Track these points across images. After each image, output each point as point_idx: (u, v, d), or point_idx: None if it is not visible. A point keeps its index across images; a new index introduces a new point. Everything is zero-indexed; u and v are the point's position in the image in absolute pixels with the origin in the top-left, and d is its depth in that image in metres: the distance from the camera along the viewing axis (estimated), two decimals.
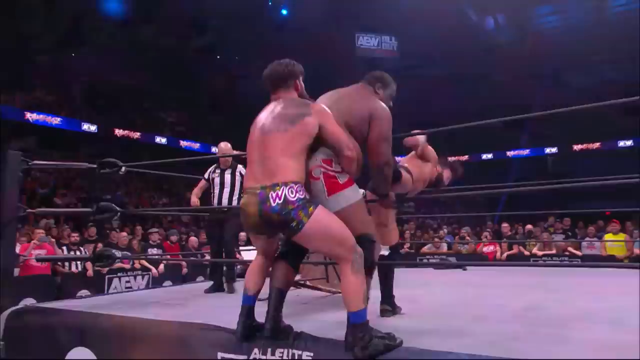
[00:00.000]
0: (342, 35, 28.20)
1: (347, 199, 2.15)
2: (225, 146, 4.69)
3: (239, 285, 4.40)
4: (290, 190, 1.95)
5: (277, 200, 1.94)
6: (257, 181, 2.04)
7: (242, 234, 8.81)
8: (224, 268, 4.50)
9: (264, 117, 2.18)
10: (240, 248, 8.05)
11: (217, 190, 4.56)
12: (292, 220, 1.94)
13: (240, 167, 4.68)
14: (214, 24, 24.47)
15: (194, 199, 4.75)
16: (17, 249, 6.19)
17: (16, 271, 6.19)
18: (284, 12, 28.88)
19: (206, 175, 4.72)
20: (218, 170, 4.64)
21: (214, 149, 5.41)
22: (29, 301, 5.22)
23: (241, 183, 4.54)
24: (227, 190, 4.53)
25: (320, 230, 1.99)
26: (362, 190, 2.55)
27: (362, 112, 2.35)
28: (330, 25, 26.19)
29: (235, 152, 4.67)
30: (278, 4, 28.55)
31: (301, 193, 1.97)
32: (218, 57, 27.50)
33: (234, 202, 4.50)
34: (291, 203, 1.94)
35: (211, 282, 4.55)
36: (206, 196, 4.76)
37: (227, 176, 4.58)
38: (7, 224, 3.61)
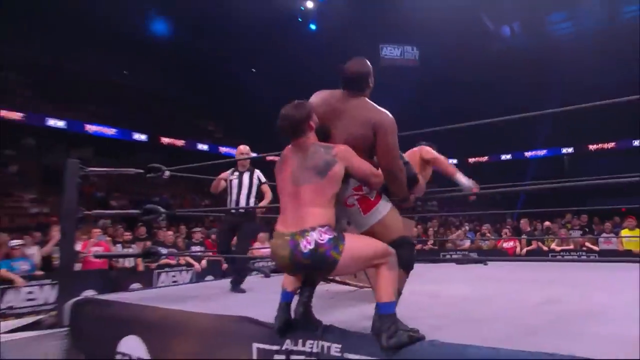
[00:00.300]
0: (366, 46, 28.10)
1: (380, 212, 2.20)
2: (244, 148, 4.52)
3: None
4: (319, 234, 1.94)
5: (307, 246, 1.93)
6: (287, 227, 2.03)
7: (261, 235, 8.81)
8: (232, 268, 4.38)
9: (293, 168, 2.13)
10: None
11: (234, 192, 4.37)
12: (326, 261, 1.95)
13: (258, 171, 4.52)
14: (250, 40, 24.73)
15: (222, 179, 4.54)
16: (79, 247, 6.43)
17: (78, 266, 6.43)
18: (313, 26, 29.04)
19: (224, 176, 4.53)
20: (236, 173, 4.45)
21: (251, 154, 5.23)
22: (90, 292, 5.39)
23: (258, 186, 4.42)
24: (244, 192, 4.35)
25: (354, 259, 2.02)
26: None
27: (366, 125, 2.19)
28: (355, 37, 26.14)
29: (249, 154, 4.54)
30: (307, 19, 28.75)
31: (329, 233, 1.96)
32: (253, 70, 27.79)
33: (251, 204, 4.36)
34: (322, 246, 1.93)
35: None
36: (224, 197, 4.55)
37: (246, 178, 4.41)
38: (67, 224, 3.73)
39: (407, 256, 2.19)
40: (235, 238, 4.54)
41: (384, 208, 2.22)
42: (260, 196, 4.46)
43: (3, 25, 18.24)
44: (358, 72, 2.29)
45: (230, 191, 4.38)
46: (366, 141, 2.20)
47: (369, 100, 2.30)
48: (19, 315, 5.76)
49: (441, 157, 3.54)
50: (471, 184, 3.45)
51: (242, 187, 4.35)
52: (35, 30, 19.44)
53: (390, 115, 2.25)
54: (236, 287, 4.10)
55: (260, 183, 4.44)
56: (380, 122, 2.19)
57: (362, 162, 2.13)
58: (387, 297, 1.98)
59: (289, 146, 2.21)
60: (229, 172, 4.50)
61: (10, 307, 6.07)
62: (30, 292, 6.27)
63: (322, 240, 1.93)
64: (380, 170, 2.22)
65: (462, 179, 3.43)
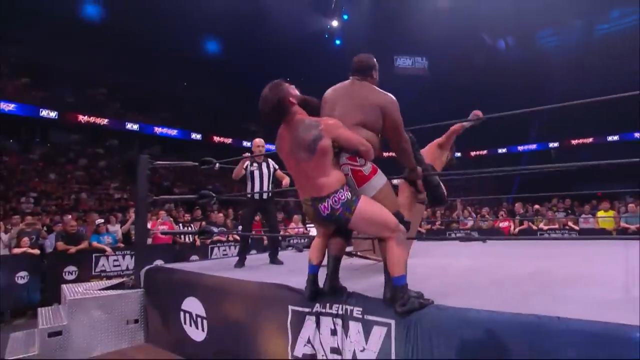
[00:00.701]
0: (383, 57, 27.80)
1: (374, 187, 2.03)
2: (260, 141, 4.32)
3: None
4: (333, 200, 1.90)
5: (326, 210, 1.91)
6: (308, 194, 1.97)
7: (295, 216, 8.83)
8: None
9: (289, 145, 1.97)
10: (307, 226, 8.08)
11: (257, 181, 4.15)
12: (340, 219, 1.93)
13: (271, 160, 4.29)
14: (286, 55, 24.74)
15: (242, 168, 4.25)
16: (149, 225, 6.59)
17: (149, 241, 6.60)
18: (338, 42, 28.83)
19: (244, 165, 4.24)
20: (255, 164, 4.20)
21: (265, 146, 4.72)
22: (159, 262, 5.52)
23: (273, 173, 4.25)
24: (265, 180, 4.19)
25: (364, 220, 1.93)
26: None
27: (373, 108, 2.08)
28: (373, 49, 25.77)
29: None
30: (333, 36, 28.57)
31: (343, 196, 1.90)
32: (287, 78, 27.79)
33: (270, 189, 4.22)
34: (336, 210, 1.90)
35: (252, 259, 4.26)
36: (244, 183, 4.30)
37: (264, 168, 4.22)
38: (140, 207, 3.82)
39: None
40: (257, 218, 4.30)
41: (379, 182, 2.05)
42: (275, 180, 4.30)
43: (100, 56, 20.08)
44: (363, 61, 2.23)
45: (252, 180, 4.18)
46: (378, 120, 2.08)
47: (374, 86, 2.19)
48: (109, 277, 6.06)
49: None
50: None
51: (263, 176, 4.19)
52: (120, 57, 20.67)
53: (393, 97, 2.14)
54: (274, 259, 4.07)
55: (274, 170, 4.30)
56: (386, 104, 2.09)
57: (348, 133, 1.96)
58: (399, 272, 1.91)
59: (283, 125, 2.01)
60: (247, 162, 4.24)
61: (103, 271, 6.41)
62: (116, 260, 6.55)
63: (336, 205, 1.89)
64: (367, 142, 2.02)
65: None
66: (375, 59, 2.27)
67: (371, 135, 2.08)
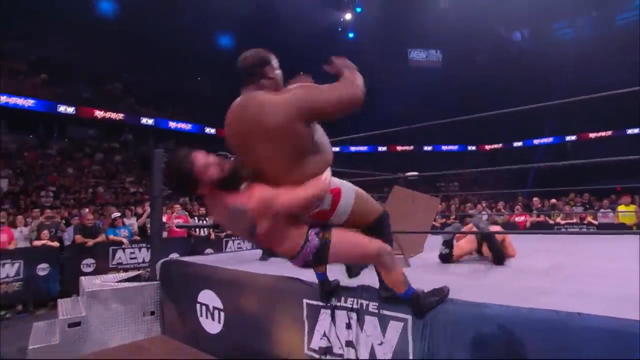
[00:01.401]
0: (396, 50, 27.61)
1: (344, 211, 1.77)
2: None
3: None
4: (304, 254, 1.68)
5: (299, 263, 1.74)
6: (276, 249, 1.75)
7: None
8: None
9: (223, 219, 1.74)
10: None
11: None
12: (318, 263, 1.79)
13: None
14: (299, 48, 24.70)
15: None
16: (164, 218, 6.68)
17: (165, 234, 6.69)
18: (351, 35, 28.62)
19: None
20: None
21: None
22: (174, 255, 5.56)
23: None
24: None
25: (341, 256, 1.76)
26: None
27: (292, 123, 1.52)
28: (387, 43, 25.61)
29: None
30: (346, 29, 28.36)
31: (311, 247, 1.67)
32: (302, 72, 27.74)
33: None
34: (309, 260, 1.71)
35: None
36: None
37: None
38: (155, 200, 3.86)
39: (385, 224, 1.92)
40: None
41: (347, 204, 1.77)
42: None
43: (115, 52, 20.46)
44: (248, 59, 1.74)
45: None
46: (305, 132, 1.56)
47: (271, 91, 1.64)
48: (125, 270, 6.16)
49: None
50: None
51: None
52: (135, 53, 21.10)
53: (296, 84, 1.70)
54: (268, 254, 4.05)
55: None
56: (297, 103, 1.54)
57: (286, 203, 1.57)
58: (402, 288, 1.84)
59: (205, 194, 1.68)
60: None
61: (120, 263, 6.53)
62: (132, 253, 6.66)
63: (308, 257, 1.70)
64: (308, 184, 1.61)
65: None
66: (263, 52, 1.76)
67: (312, 166, 1.62)
